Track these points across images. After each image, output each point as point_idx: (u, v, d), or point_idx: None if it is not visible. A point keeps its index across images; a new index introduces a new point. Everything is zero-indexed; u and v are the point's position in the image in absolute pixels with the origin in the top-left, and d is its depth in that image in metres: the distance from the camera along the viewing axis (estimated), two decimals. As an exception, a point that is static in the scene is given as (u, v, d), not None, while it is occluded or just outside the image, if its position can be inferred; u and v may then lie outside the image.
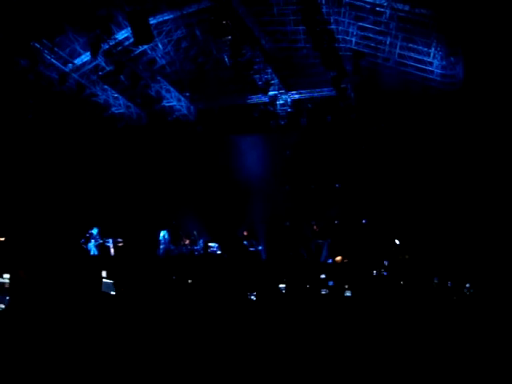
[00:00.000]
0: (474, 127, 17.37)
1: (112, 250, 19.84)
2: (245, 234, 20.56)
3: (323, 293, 14.52)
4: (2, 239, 16.43)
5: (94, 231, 19.40)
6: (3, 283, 14.08)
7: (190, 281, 15.41)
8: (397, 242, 18.03)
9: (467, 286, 13.98)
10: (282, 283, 15.32)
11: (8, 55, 16.88)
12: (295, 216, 21.04)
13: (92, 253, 19.17)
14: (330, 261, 18.46)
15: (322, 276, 14.26)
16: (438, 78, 18.30)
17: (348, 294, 14.37)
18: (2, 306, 13.78)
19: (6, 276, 14.09)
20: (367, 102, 19.63)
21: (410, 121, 18.87)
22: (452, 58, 17.35)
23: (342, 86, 18.79)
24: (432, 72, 18.26)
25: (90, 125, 20.95)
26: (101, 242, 19.61)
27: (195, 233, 20.98)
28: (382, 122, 19.43)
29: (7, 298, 13.76)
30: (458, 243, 16.50)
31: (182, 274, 16.06)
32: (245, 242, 20.11)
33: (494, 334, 9.29)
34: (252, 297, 14.04)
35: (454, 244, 16.57)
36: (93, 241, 19.33)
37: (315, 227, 20.38)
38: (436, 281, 14.01)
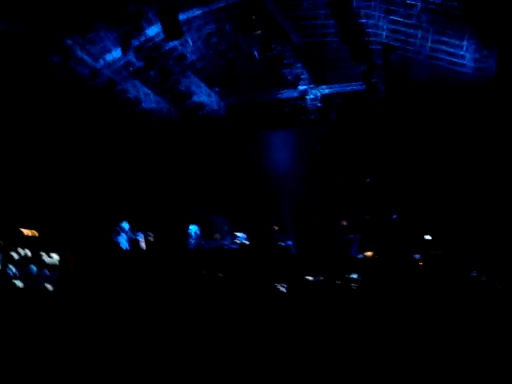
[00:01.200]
0: (506, 121, 17.12)
1: (143, 244, 20.01)
2: (275, 228, 20.57)
3: (353, 288, 14.51)
4: (36, 234, 16.72)
5: (126, 225, 19.60)
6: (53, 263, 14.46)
7: (220, 275, 15.56)
8: (428, 237, 17.87)
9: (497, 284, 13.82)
10: (311, 276, 15.34)
11: (41, 51, 17.13)
12: (326, 211, 20.99)
13: (123, 247, 19.38)
14: (361, 256, 18.38)
15: (354, 276, 14.21)
16: (470, 71, 17.98)
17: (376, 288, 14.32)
18: (50, 288, 14.13)
19: (56, 256, 14.47)
20: (397, 96, 19.44)
21: (442, 114, 18.65)
22: (485, 51, 17.06)
23: (372, 80, 18.70)
24: (464, 65, 17.96)
25: (121, 120, 21.14)
26: (131, 236, 19.80)
27: (226, 228, 21.06)
28: (413, 116, 19.22)
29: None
30: (492, 239, 16.28)
31: (213, 269, 16.20)
32: (275, 237, 20.13)
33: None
34: (282, 289, 14.09)
35: (487, 240, 16.35)
36: (123, 234, 19.52)
37: (344, 222, 20.29)
38: (475, 274, 13.85)
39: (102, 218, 19.22)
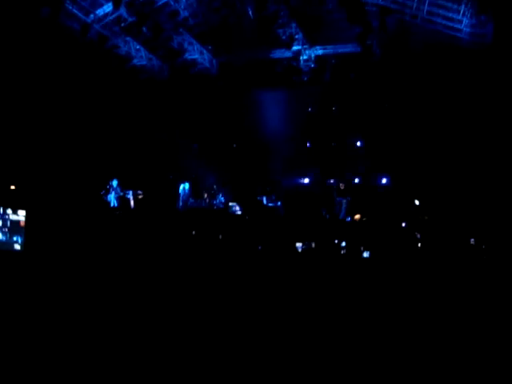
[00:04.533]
0: (501, 87, 17.00)
1: (132, 202, 20.01)
2: (267, 189, 20.35)
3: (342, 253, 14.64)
4: (13, 187, 16.65)
5: (114, 183, 19.55)
6: (18, 221, 14.32)
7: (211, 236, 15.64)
8: (416, 202, 17.93)
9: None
10: (300, 242, 15.44)
11: (30, 4, 16.69)
12: (316, 173, 20.97)
13: (112, 204, 19.38)
14: (349, 219, 18.47)
15: (343, 244, 14.29)
16: (467, 37, 17.73)
17: (366, 254, 14.45)
18: (18, 247, 14.04)
19: (22, 213, 14.31)
20: (392, 60, 19.19)
21: (436, 79, 18.48)
22: (482, 17, 16.81)
23: (368, 42, 18.42)
24: (461, 30, 17.70)
25: (112, 76, 20.78)
26: (121, 194, 19.77)
27: (215, 187, 21.02)
28: (408, 80, 19.03)
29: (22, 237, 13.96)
30: (481, 205, 16.34)
31: (202, 230, 16.27)
32: (263, 198, 20.13)
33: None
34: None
35: (477, 206, 16.42)
36: (113, 192, 19.50)
37: (341, 185, 20.20)
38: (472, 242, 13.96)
39: (92, 176, 19.14)
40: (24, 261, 13.35)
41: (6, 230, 14.04)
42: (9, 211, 14.23)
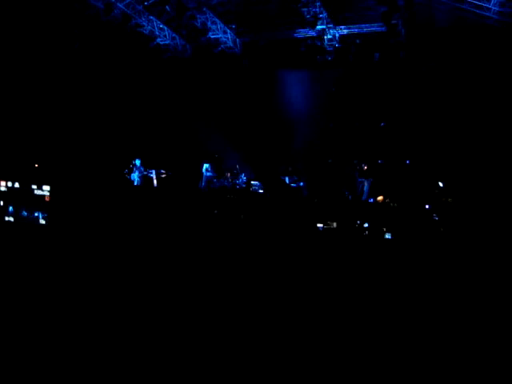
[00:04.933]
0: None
1: (155, 181, 20.16)
2: (289, 169, 20.30)
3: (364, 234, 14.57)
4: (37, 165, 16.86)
5: (138, 162, 19.71)
6: (43, 196, 14.57)
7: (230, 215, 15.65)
8: (440, 184, 17.79)
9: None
10: (321, 222, 15.39)
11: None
12: (338, 154, 20.88)
13: (135, 183, 19.55)
14: (372, 200, 18.38)
15: (366, 225, 14.22)
16: (495, 17, 17.42)
17: (388, 236, 14.37)
18: (43, 222, 14.29)
19: (46, 188, 14.55)
20: (418, 40, 18.95)
21: (462, 59, 18.23)
22: (511, -5, 16.50)
23: (393, 21, 18.18)
24: (489, 9, 17.39)
25: (135, 55, 20.85)
26: (144, 173, 19.93)
27: (237, 167, 21.05)
28: (433, 61, 18.79)
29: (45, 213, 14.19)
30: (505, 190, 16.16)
31: (224, 209, 16.31)
32: (286, 178, 20.10)
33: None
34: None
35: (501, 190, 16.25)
36: (136, 171, 19.66)
37: (364, 167, 20.11)
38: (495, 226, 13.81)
39: (116, 155, 19.31)
40: (48, 234, 13.59)
41: (32, 204, 14.30)
42: (34, 186, 14.48)
